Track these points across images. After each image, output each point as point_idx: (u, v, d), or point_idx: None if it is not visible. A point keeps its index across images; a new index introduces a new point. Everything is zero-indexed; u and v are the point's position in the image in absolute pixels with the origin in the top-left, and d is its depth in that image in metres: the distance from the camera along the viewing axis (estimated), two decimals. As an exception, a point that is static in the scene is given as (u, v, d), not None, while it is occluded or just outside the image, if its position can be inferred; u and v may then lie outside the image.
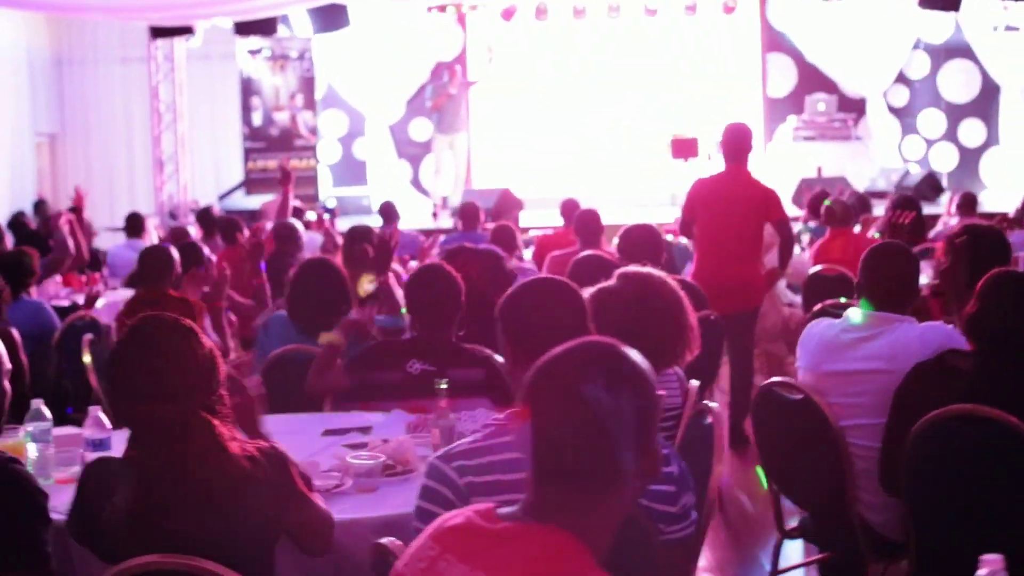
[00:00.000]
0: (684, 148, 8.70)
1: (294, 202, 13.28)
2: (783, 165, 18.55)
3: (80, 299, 9.10)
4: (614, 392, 2.04)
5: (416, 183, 19.61)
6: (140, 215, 11.73)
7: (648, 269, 4.24)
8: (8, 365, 3.35)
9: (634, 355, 2.13)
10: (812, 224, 11.88)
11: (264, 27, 16.04)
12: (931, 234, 11.48)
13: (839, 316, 4.58)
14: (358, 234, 8.56)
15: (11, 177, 17.59)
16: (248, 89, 16.67)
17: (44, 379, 6.55)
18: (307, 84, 16.75)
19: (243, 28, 16.07)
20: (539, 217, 15.02)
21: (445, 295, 4.91)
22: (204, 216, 13.20)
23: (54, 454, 3.94)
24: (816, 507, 4.66)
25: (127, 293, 10.09)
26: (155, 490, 2.91)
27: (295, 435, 4.21)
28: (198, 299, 7.12)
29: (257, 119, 16.71)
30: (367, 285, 8.09)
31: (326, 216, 13.82)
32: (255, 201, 16.02)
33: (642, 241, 6.40)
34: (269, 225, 13.86)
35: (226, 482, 2.94)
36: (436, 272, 5.06)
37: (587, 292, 3.69)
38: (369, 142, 19.23)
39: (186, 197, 16.40)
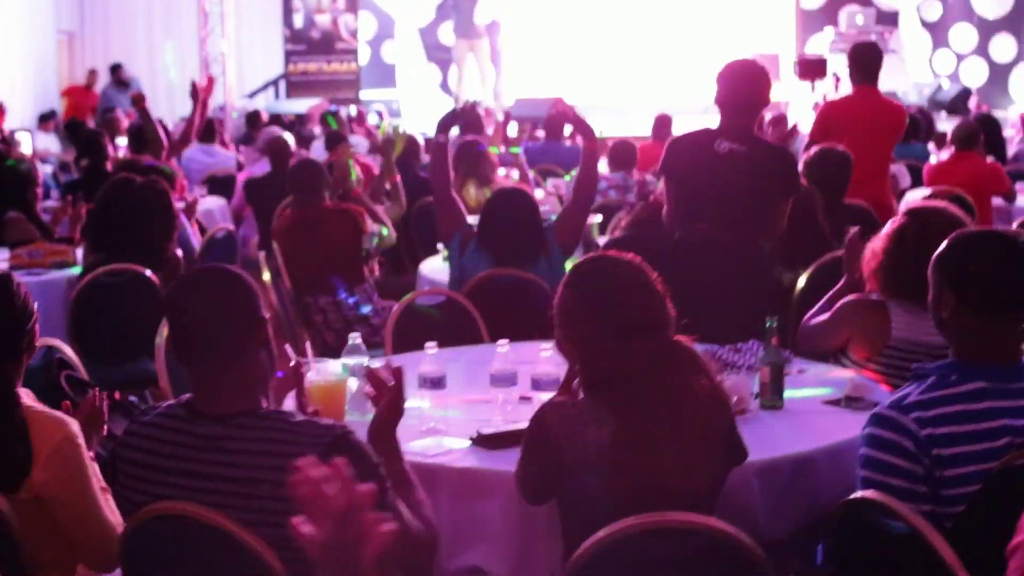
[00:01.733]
0: (811, 69, 8.46)
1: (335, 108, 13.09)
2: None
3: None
4: None
5: (445, 87, 19.41)
6: (212, 120, 11.51)
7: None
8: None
9: None
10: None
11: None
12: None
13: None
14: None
15: (35, 75, 17.27)
16: (290, -11, 16.41)
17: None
18: (349, -15, 16.49)
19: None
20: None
21: None
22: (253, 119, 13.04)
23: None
24: None
25: (217, 201, 9.95)
26: (639, 424, 2.89)
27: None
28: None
29: (298, 21, 16.42)
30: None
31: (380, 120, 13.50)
32: (299, 105, 15.81)
33: None
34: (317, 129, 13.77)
35: (697, 409, 2.93)
36: None
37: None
38: (399, 45, 18.95)
39: (232, 99, 16.11)
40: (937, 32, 19.90)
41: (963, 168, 9.12)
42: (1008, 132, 13.00)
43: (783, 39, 19.71)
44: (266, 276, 6.43)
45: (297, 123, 14.24)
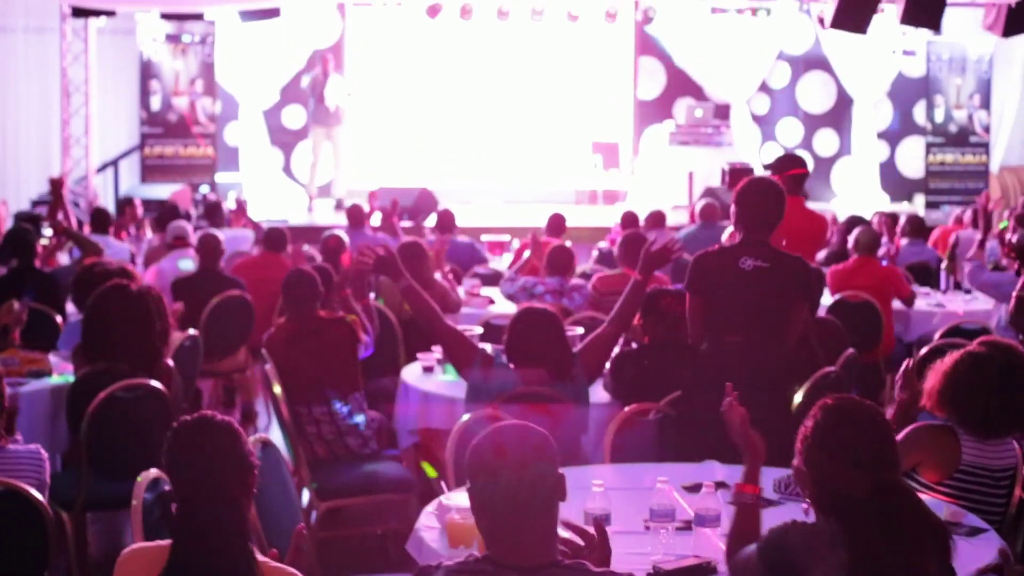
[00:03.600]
0: (740, 178, 8.70)
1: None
2: (656, 168, 19.05)
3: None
4: None
5: (288, 171, 19.32)
6: (103, 210, 11.28)
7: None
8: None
9: None
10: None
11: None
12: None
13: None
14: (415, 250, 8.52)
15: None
16: (147, 72, 16.08)
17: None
18: (208, 70, 16.25)
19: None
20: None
21: None
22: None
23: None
24: None
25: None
26: (875, 549, 3.11)
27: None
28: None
29: (155, 103, 16.16)
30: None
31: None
32: (156, 191, 15.55)
33: None
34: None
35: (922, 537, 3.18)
36: None
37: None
38: (242, 127, 18.78)
39: (91, 182, 15.67)
40: (765, 126, 20.73)
41: (866, 272, 9.58)
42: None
43: (622, 128, 20.25)
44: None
45: (158, 209, 13.99)
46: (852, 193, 19.97)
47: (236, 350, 9.26)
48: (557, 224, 11.79)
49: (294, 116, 18.96)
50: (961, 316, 9.35)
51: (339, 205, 17.04)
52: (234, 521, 3.02)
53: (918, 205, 19.26)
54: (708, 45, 19.81)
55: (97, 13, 15.06)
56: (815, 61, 20.47)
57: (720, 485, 4.54)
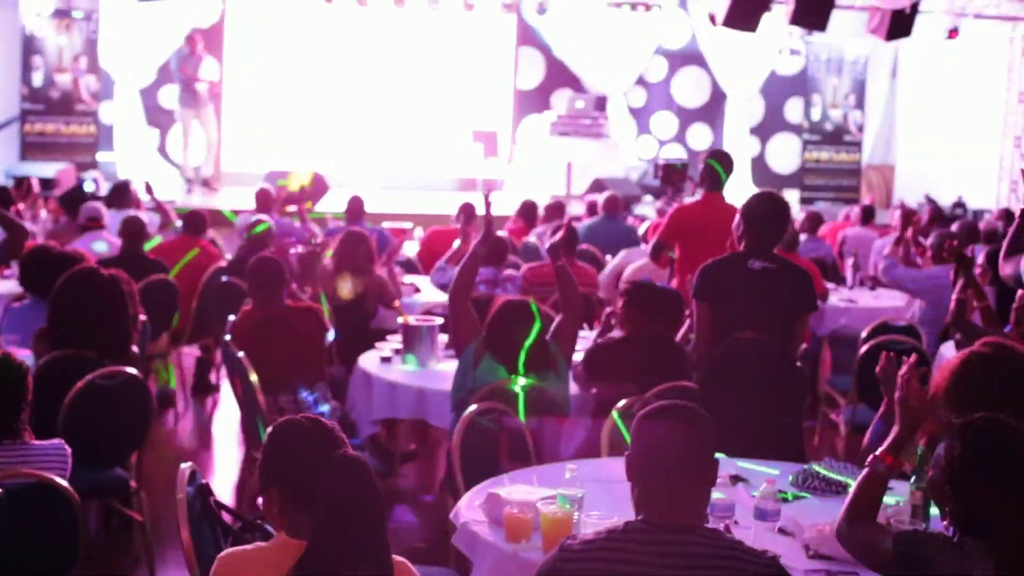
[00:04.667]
0: (672, 174, 8.84)
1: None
2: (535, 157, 19.19)
3: None
4: None
5: (163, 151, 18.96)
6: (6, 188, 10.93)
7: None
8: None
9: None
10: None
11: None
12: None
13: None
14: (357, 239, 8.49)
15: None
16: (30, 47, 15.61)
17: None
18: (92, 46, 15.81)
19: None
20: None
21: None
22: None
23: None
24: None
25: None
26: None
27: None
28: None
29: (38, 79, 15.69)
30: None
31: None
32: (37, 168, 15.13)
33: None
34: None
35: None
36: None
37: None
38: (117, 106, 18.35)
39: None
40: (641, 118, 21.01)
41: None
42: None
43: (501, 117, 20.34)
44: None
45: (42, 188, 13.60)
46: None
47: (159, 335, 9.09)
48: (529, 209, 11.98)
49: (170, 96, 18.57)
50: (875, 311, 9.64)
51: (207, 184, 16.84)
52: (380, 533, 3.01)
53: (791, 200, 19.66)
54: (588, 37, 19.98)
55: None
56: (691, 56, 20.81)
57: (736, 479, 4.65)
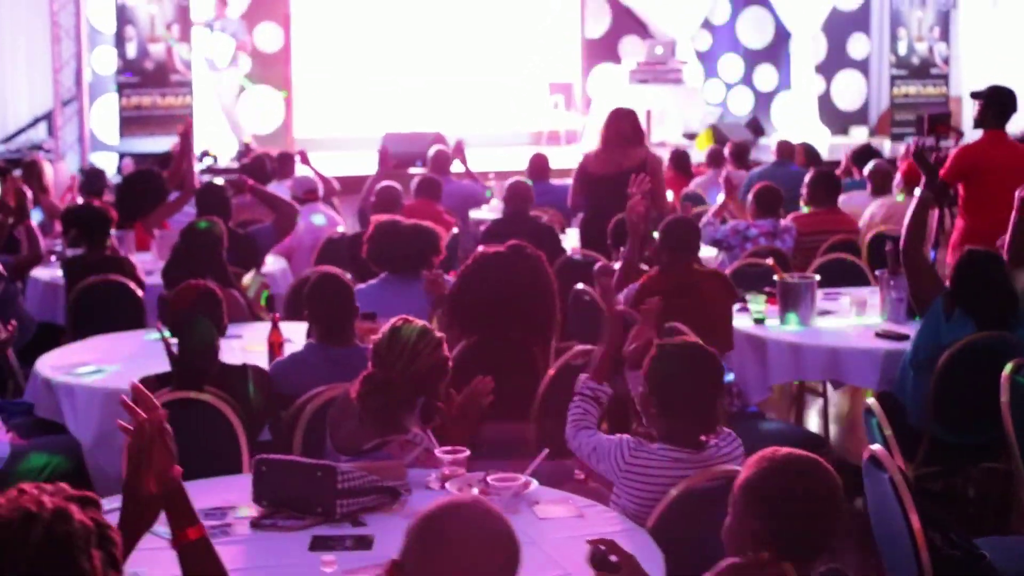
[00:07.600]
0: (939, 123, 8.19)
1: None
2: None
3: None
4: None
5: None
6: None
7: None
8: None
9: None
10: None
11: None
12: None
13: None
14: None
15: None
16: (123, 17, 14.85)
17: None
18: (183, 13, 15.06)
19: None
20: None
21: None
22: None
23: None
24: None
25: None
26: None
27: None
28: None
29: (131, 51, 14.96)
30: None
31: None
32: (141, 144, 14.50)
33: None
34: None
35: None
36: None
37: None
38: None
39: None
40: (707, 62, 20.61)
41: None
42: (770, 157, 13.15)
43: (571, 68, 19.88)
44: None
45: (161, 164, 12.92)
46: (792, 127, 19.97)
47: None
48: (682, 158, 11.67)
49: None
50: None
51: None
52: None
53: (860, 138, 19.33)
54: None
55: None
56: (754, -4, 20.42)
57: None
